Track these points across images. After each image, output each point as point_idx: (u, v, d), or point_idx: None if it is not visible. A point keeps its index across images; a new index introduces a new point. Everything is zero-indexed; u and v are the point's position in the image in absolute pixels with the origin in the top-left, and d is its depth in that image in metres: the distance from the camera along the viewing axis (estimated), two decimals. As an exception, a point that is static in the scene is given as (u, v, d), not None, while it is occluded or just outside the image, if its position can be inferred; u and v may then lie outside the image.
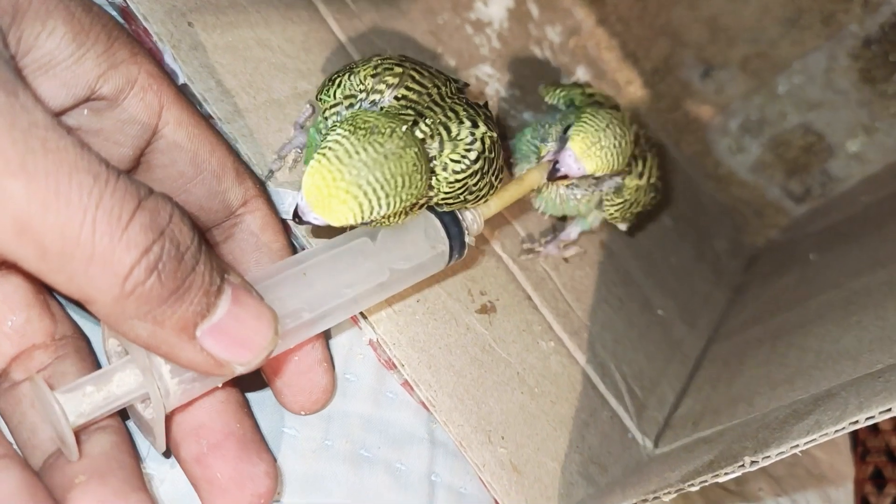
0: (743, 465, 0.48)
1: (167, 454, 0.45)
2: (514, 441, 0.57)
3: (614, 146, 0.58)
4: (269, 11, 0.61)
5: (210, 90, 0.54)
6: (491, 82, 0.80)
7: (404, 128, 0.45)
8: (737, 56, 0.99)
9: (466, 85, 0.55)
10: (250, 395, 0.51)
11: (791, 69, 0.97)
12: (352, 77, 0.50)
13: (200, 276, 0.35)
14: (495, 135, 0.52)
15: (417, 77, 0.50)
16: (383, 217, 0.44)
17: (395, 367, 0.54)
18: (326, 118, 0.50)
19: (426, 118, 0.49)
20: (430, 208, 0.52)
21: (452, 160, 0.50)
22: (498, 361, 0.60)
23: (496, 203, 0.56)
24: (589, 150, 0.57)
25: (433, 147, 0.49)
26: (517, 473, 0.56)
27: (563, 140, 0.58)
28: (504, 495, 0.54)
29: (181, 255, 0.34)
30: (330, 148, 0.42)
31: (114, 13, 0.55)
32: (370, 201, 0.42)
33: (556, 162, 0.58)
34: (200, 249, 0.36)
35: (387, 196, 0.42)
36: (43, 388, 0.36)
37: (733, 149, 1.03)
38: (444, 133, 0.50)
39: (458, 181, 0.50)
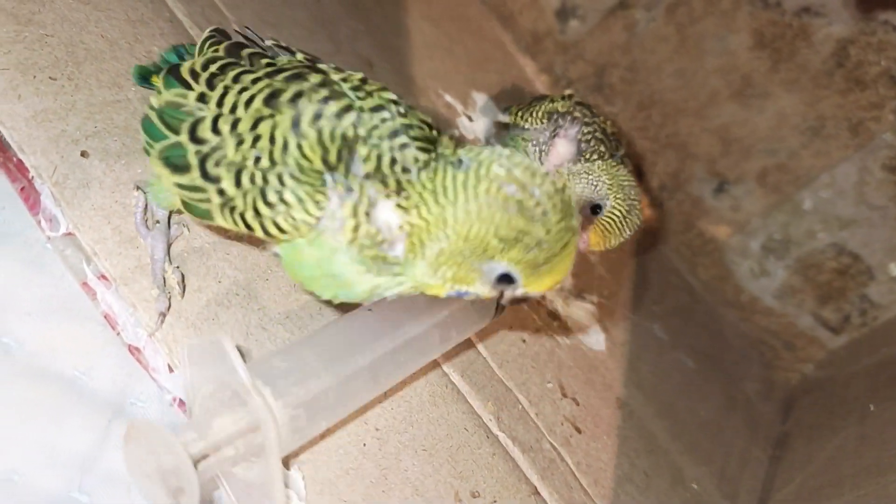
0: None
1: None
2: None
3: (620, 240, 0.61)
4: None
5: (103, 241, 0.40)
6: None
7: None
8: (753, 169, 0.87)
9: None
10: None
11: (817, 182, 0.85)
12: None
13: None
14: None
15: None
16: None
17: None
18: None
19: None
20: None
21: None
22: None
23: None
24: (600, 243, 0.61)
25: None
26: None
27: (587, 218, 0.60)
28: None
29: None
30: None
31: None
32: None
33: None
34: None
35: None
36: None
37: (756, 272, 0.90)
38: None
39: None
